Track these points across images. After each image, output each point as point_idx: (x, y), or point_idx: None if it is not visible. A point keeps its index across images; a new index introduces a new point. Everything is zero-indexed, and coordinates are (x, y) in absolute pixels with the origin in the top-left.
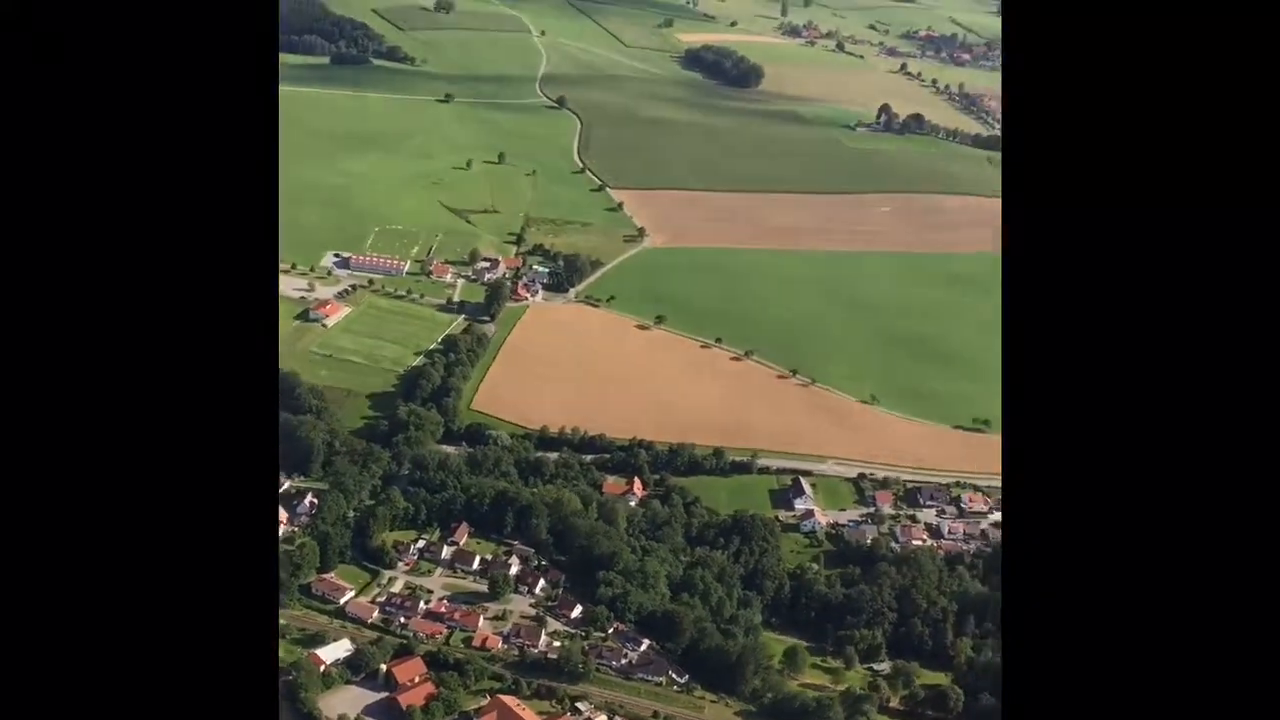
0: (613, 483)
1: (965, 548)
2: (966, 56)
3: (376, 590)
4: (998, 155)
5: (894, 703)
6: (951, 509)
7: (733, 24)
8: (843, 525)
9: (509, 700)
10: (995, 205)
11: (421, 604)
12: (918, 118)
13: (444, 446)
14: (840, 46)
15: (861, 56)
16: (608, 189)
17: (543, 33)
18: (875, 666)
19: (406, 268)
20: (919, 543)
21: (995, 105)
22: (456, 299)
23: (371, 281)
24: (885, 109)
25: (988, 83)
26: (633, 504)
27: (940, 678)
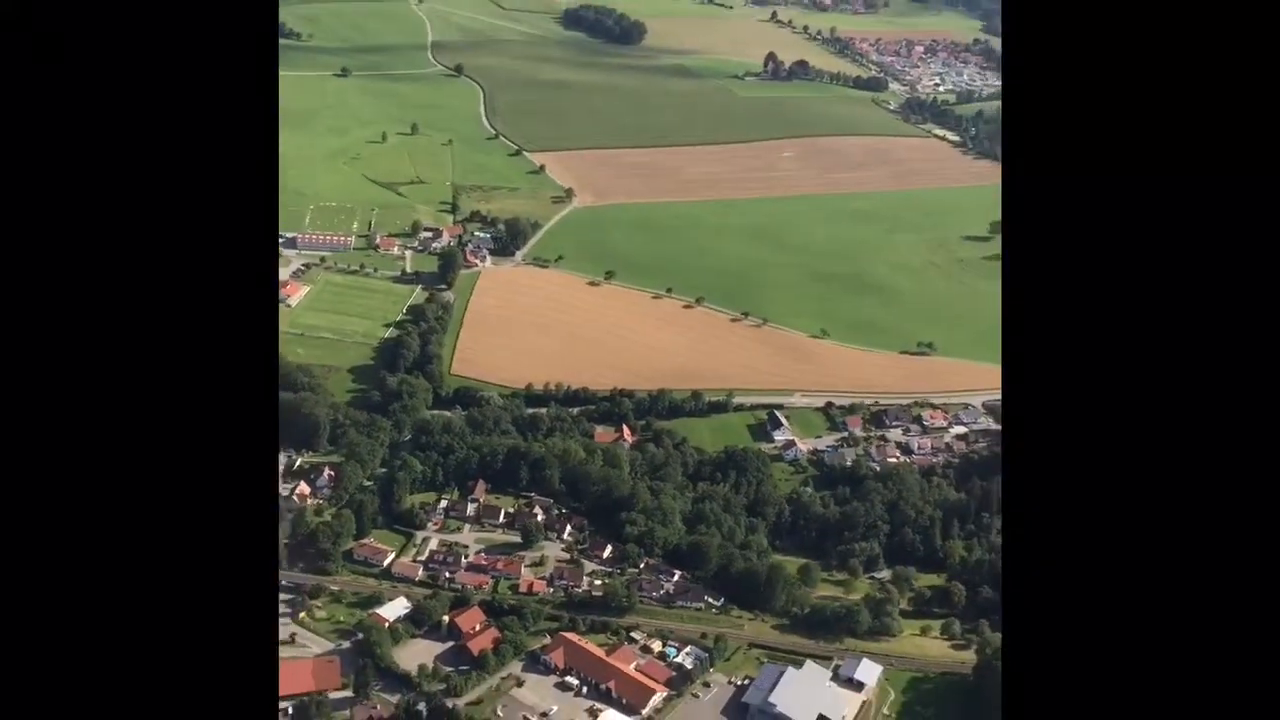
0: (603, 431)
1: (935, 460)
2: (828, 1)
3: (414, 550)
4: (882, 95)
5: (903, 604)
6: (915, 427)
7: None
8: (822, 451)
9: (571, 636)
10: (888, 144)
11: (462, 559)
12: (802, 64)
13: (440, 412)
14: None
15: (730, 7)
16: (524, 153)
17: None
18: (877, 575)
19: (353, 243)
20: (894, 460)
21: (868, 48)
22: (410, 270)
23: (323, 259)
24: (771, 57)
25: (856, 26)
26: (628, 449)
27: (936, 579)
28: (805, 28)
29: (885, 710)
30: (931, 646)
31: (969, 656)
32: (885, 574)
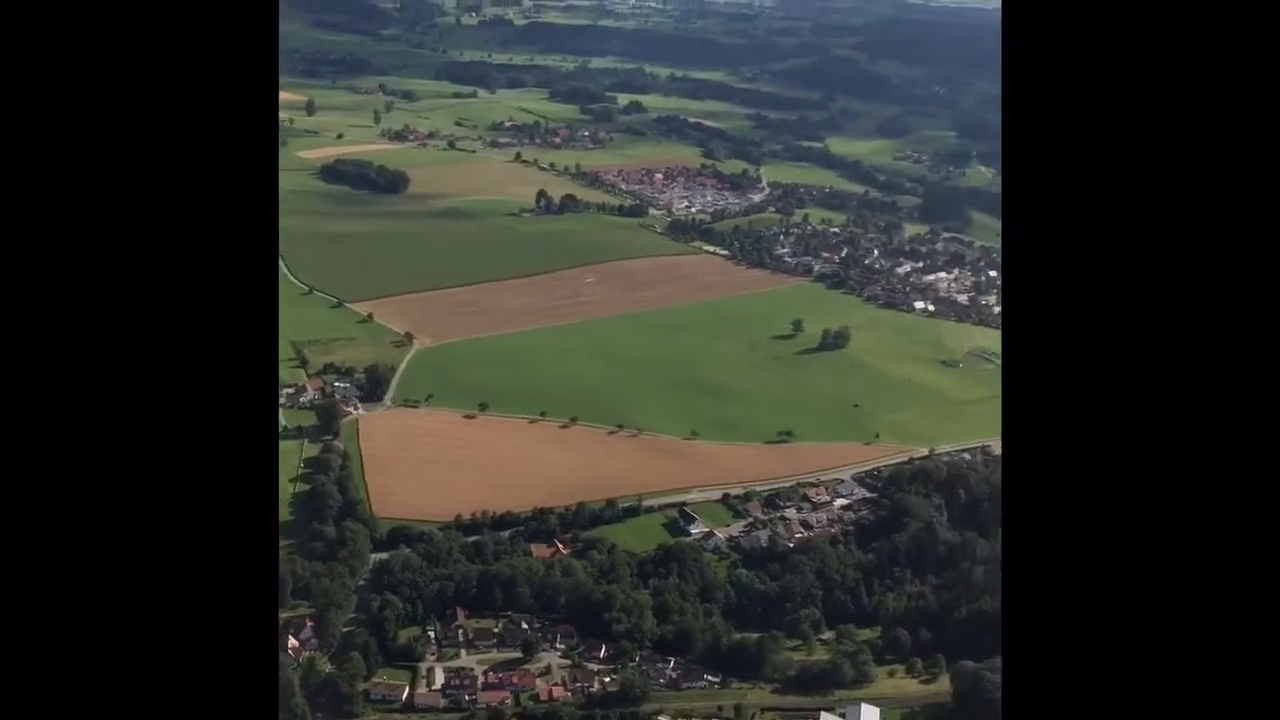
0: (538, 548)
1: (833, 530)
2: (558, 140)
3: (424, 681)
4: (647, 219)
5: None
6: (805, 504)
7: (339, 136)
8: (737, 537)
9: None
10: (672, 262)
11: (477, 680)
12: (571, 198)
13: (394, 551)
14: (451, 144)
15: (474, 151)
16: (345, 304)
17: None
18: (824, 637)
19: None
20: (800, 535)
21: (615, 179)
22: (288, 425)
23: None
24: (543, 194)
25: (596, 161)
26: (573, 560)
27: (871, 632)
28: (551, 165)
29: None
30: (907, 686)
31: (944, 687)
32: (829, 635)
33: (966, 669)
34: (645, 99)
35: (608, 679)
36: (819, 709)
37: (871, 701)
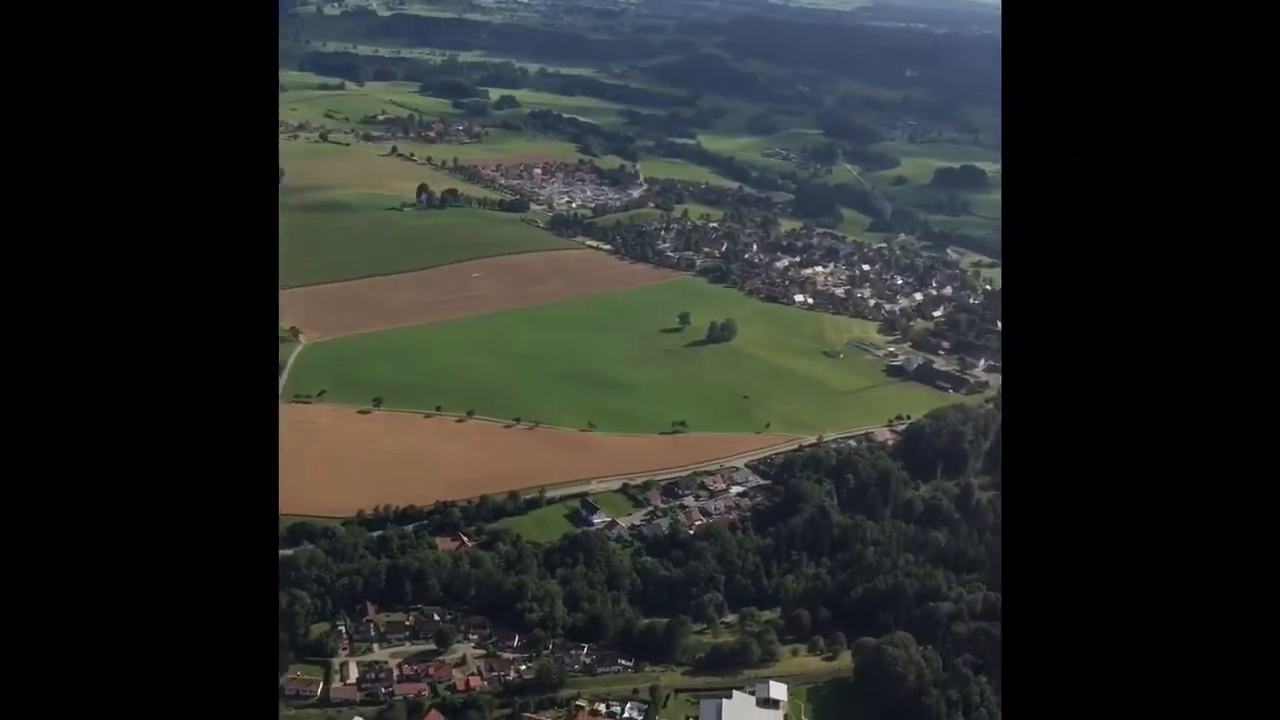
0: (443, 541)
1: (731, 516)
2: (433, 134)
3: (336, 676)
4: (529, 214)
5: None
6: (703, 492)
7: None
8: (638, 525)
9: (533, 716)
10: (557, 257)
11: (393, 673)
12: (452, 192)
13: (298, 548)
14: (324, 137)
15: (348, 144)
16: None
17: None
18: (727, 620)
19: None
20: (700, 521)
21: (494, 174)
22: None
23: None
24: (424, 188)
25: (472, 155)
26: (480, 552)
27: (772, 613)
28: (429, 159)
29: (804, 717)
30: (810, 663)
31: (845, 663)
32: (732, 618)
33: (868, 645)
34: (517, 94)
35: (524, 667)
36: (730, 688)
37: (778, 679)
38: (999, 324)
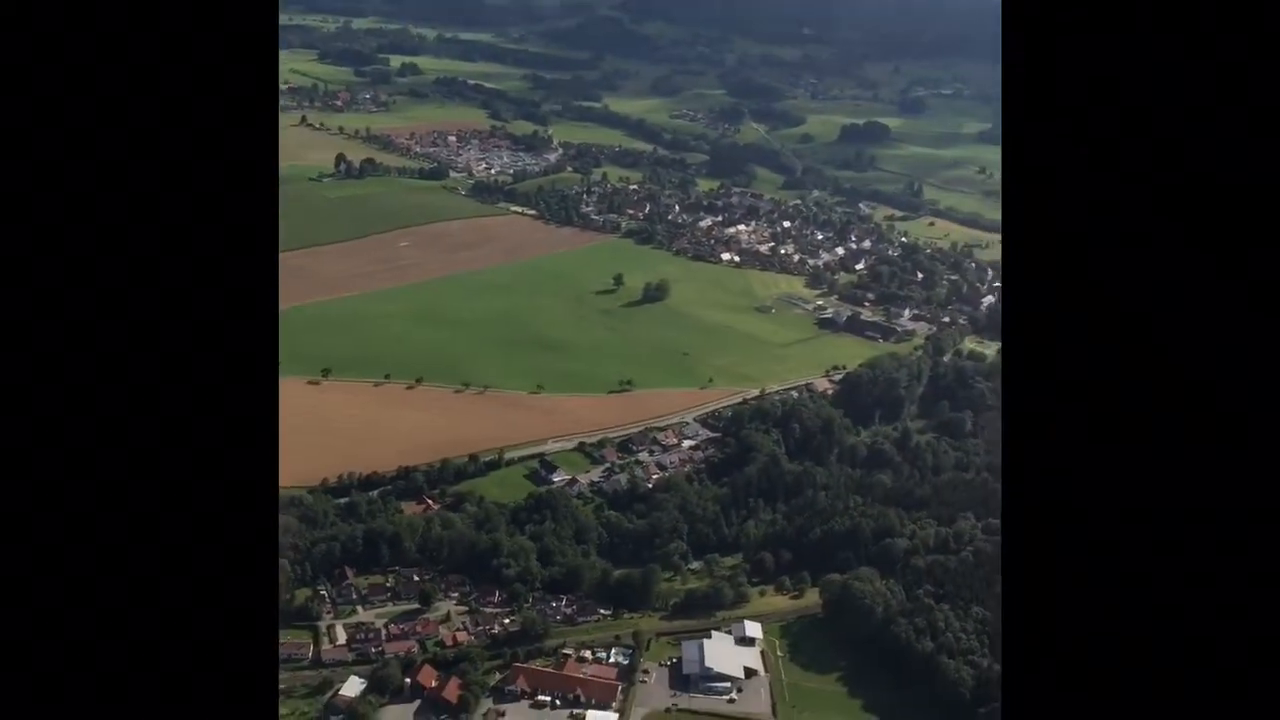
0: (409, 506)
1: (686, 470)
2: (339, 103)
3: (325, 639)
4: (449, 182)
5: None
6: (656, 447)
7: None
8: (598, 482)
9: (522, 665)
10: (483, 223)
11: (381, 633)
12: (371, 161)
13: None
14: None
15: None
16: None
17: None
18: (693, 567)
19: None
20: (657, 475)
21: (409, 142)
22: None
23: None
24: (342, 158)
25: (382, 124)
26: (449, 514)
27: (733, 559)
28: (340, 128)
29: (780, 652)
30: (779, 602)
31: (812, 600)
32: (698, 565)
33: (834, 581)
34: (419, 60)
35: (507, 620)
36: (707, 629)
37: (751, 619)
38: (918, 275)
